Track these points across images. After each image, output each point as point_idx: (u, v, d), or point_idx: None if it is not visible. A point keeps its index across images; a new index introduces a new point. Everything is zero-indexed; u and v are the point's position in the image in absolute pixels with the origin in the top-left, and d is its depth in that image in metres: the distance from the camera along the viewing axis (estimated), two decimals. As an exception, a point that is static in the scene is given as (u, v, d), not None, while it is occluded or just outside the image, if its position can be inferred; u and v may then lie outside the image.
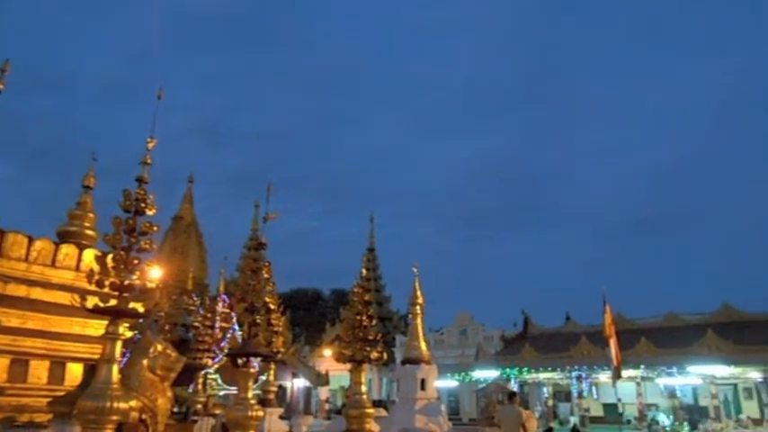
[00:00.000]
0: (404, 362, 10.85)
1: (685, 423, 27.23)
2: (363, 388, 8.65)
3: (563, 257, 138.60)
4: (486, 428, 10.40)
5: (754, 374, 26.20)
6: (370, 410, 8.31)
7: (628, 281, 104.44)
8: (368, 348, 8.46)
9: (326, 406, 38.26)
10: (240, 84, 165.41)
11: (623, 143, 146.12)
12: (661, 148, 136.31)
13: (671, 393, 28.90)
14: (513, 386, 30.97)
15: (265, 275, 9.52)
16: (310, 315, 59.06)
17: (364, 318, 8.93)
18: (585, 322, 34.13)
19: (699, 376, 27.73)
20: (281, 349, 9.79)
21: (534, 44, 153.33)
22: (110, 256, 5.81)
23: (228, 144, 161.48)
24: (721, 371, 26.71)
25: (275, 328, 9.52)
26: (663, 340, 28.56)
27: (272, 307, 9.33)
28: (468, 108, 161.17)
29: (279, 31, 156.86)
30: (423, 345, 10.73)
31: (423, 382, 10.42)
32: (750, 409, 29.24)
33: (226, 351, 12.37)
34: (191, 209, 30.72)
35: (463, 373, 31.45)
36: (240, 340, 12.53)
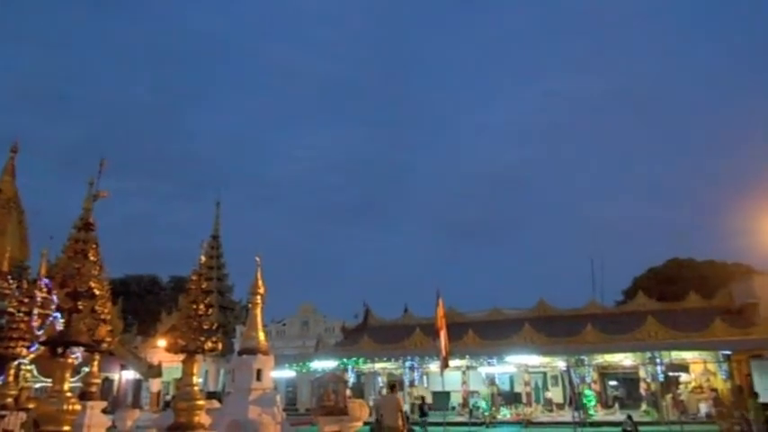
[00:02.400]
0: (240, 352, 10.67)
1: (502, 408, 29.88)
2: (196, 379, 8.39)
3: (407, 253, 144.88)
4: (320, 418, 10.57)
5: (560, 363, 29.44)
6: (201, 402, 8.07)
7: (462, 277, 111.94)
8: (202, 338, 8.20)
9: (166, 398, 36.43)
10: (85, 51, 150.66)
11: (468, 149, 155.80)
12: (498, 157, 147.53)
13: (491, 381, 31.53)
14: (351, 376, 31.78)
15: (92, 258, 8.84)
16: (146, 303, 55.47)
17: (201, 306, 8.63)
18: (421, 315, 36.01)
19: (515, 365, 30.58)
20: (107, 338, 9.14)
21: (398, 47, 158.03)
22: None
23: (67, 115, 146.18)
24: (534, 360, 29.70)
25: (101, 316, 8.87)
26: (487, 332, 31.05)
27: (97, 293, 8.68)
28: (324, 102, 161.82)
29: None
30: (261, 335, 10.63)
31: (259, 372, 10.31)
32: (556, 394, 32.86)
33: (43, 339, 11.28)
34: (12, 182, 27.36)
35: (302, 364, 31.61)
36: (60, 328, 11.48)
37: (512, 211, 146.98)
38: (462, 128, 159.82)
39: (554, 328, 30.57)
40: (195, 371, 8.44)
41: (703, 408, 26.47)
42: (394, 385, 15.64)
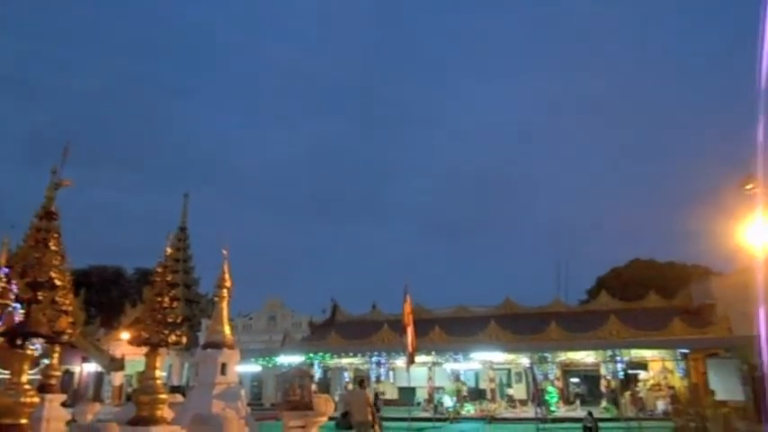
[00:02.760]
0: (205, 346, 10.57)
1: (466, 404, 30.22)
2: (159, 373, 8.30)
3: (376, 249, 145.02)
4: (285, 412, 10.55)
5: (524, 360, 29.89)
6: (164, 396, 7.99)
7: (431, 274, 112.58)
8: (166, 331, 8.11)
9: (128, 392, 35.84)
10: (59, 33, 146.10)
11: (441, 148, 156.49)
12: (470, 156, 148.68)
13: (456, 377, 31.88)
14: (317, 371, 31.75)
15: (53, 248, 8.66)
16: (110, 295, 54.38)
17: (166, 299, 8.53)
18: (389, 311, 36.12)
19: (480, 362, 30.94)
20: (68, 330, 8.96)
21: (380, 43, 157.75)
22: None
23: (35, 99, 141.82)
24: (499, 357, 30.08)
25: (61, 307, 8.70)
26: (453, 329, 31.34)
27: (58, 283, 8.51)
28: (299, 95, 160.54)
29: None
30: (227, 329, 10.55)
31: (223, 366, 10.24)
32: (519, 391, 33.38)
33: (1, 330, 11.00)
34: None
35: (268, 358, 31.44)
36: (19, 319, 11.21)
37: (481, 210, 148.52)
38: (437, 127, 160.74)
39: (519, 326, 31.01)
40: (158, 364, 8.35)
41: (660, 405, 27.21)
42: (362, 381, 16.21)
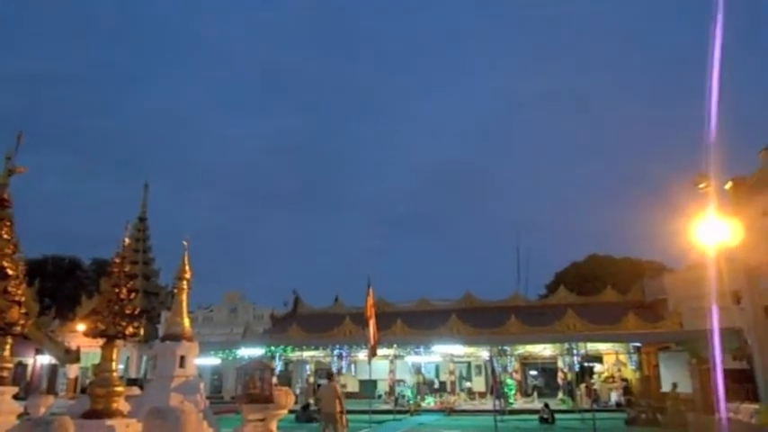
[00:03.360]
0: (163, 338, 10.43)
1: (427, 396, 30.54)
2: (115, 365, 8.17)
3: (340, 242, 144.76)
4: (244, 405, 10.50)
5: (484, 353, 30.35)
6: (120, 389, 7.88)
7: (394, 268, 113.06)
8: (123, 323, 7.99)
9: (84, 385, 34.94)
10: (11, 16, 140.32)
11: (405, 142, 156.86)
12: (434, 151, 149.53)
13: (417, 370, 32.16)
14: (278, 364, 31.59)
15: (5, 237, 8.43)
16: (66, 285, 52.93)
17: (123, 290, 8.40)
18: (352, 304, 36.15)
19: (441, 355, 31.29)
20: (20, 321, 8.72)
21: (342, 36, 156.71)
22: None
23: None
24: (459, 350, 30.47)
25: (14, 297, 8.46)
26: (415, 322, 31.58)
27: (10, 273, 8.28)
28: (262, 86, 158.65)
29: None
30: (186, 321, 10.42)
31: (182, 359, 10.12)
32: (479, 383, 33.89)
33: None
34: None
35: (228, 351, 31.12)
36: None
37: (444, 204, 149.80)
38: (402, 122, 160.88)
39: (479, 320, 31.44)
40: (115, 356, 8.23)
41: (614, 396, 28.03)
42: (331, 374, 16.58)
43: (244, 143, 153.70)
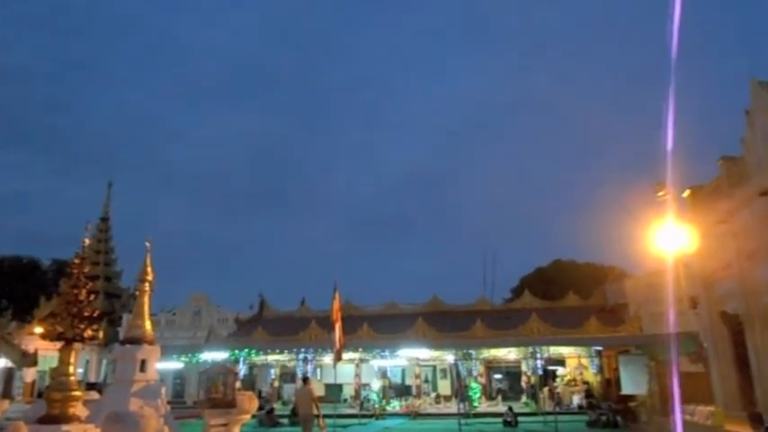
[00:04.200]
0: (124, 342, 10.23)
1: (392, 400, 30.57)
2: (73, 369, 7.97)
3: (308, 245, 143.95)
4: (206, 411, 10.35)
5: (450, 357, 30.55)
6: (77, 393, 7.70)
7: (362, 272, 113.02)
8: (82, 326, 7.80)
9: (41, 389, 33.92)
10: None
11: (380, 146, 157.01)
12: (404, 155, 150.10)
13: (383, 374, 32.17)
14: (242, 368, 31.23)
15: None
16: (24, 287, 51.40)
17: (83, 292, 8.21)
18: (318, 308, 35.97)
19: (407, 359, 31.37)
20: (-27, 324, 8.45)
21: (314, 36, 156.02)
22: None
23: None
24: (425, 354, 30.60)
25: (-34, 300, 8.19)
26: (382, 326, 31.61)
27: (-37, 275, 8.01)
28: (232, 85, 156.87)
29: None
30: (147, 324, 10.23)
31: (143, 363, 9.93)
32: (444, 387, 34.08)
33: None
34: None
35: (191, 355, 30.62)
36: None
37: (412, 209, 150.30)
38: (370, 125, 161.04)
39: (445, 324, 31.64)
40: (73, 360, 8.04)
41: (576, 399, 28.53)
42: (306, 378, 17.23)
43: (212, 143, 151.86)
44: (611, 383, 27.54)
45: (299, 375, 31.72)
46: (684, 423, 15.21)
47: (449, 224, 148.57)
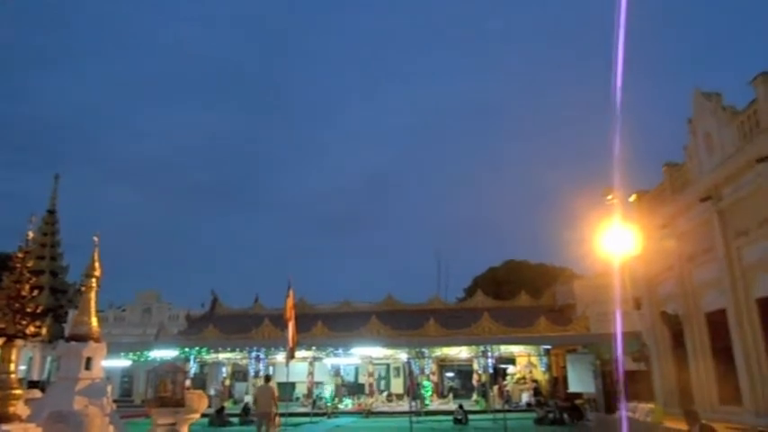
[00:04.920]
0: (69, 338, 9.96)
1: (345, 398, 30.61)
2: (14, 366, 7.71)
3: (263, 243, 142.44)
4: (154, 410, 10.19)
5: (403, 355, 30.80)
6: (18, 392, 7.46)
7: (318, 270, 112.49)
8: (24, 322, 7.57)
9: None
10: None
11: (336, 145, 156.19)
12: (364, 156, 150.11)
13: (336, 372, 32.18)
14: (193, 366, 30.72)
15: None
16: (-37, 281, 49.12)
17: (26, 287, 7.95)
18: (272, 306, 35.67)
19: (360, 357, 31.46)
20: None
21: (275, 35, 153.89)
22: None
23: None
24: (378, 352, 30.76)
25: None
26: (336, 324, 31.60)
27: None
28: (191, 80, 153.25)
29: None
30: (93, 320, 9.99)
31: (88, 360, 9.70)
32: (397, 385, 34.31)
33: None
34: None
35: (139, 353, 29.93)
36: None
37: (368, 208, 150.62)
38: (328, 124, 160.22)
39: (399, 322, 31.87)
40: (14, 357, 7.80)
41: (525, 397, 29.18)
42: (268, 377, 17.46)
43: (166, 137, 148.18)
44: (559, 381, 28.27)
45: (251, 374, 31.50)
46: (626, 420, 15.78)
47: (404, 224, 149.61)
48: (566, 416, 22.19)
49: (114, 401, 10.67)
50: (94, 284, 10.33)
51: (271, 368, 33.40)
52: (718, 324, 14.36)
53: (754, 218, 12.65)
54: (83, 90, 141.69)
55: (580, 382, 23.64)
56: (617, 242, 17.10)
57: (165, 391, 10.99)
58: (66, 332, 33.91)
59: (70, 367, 9.69)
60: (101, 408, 9.57)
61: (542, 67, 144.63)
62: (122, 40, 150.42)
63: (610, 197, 17.65)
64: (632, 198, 19.26)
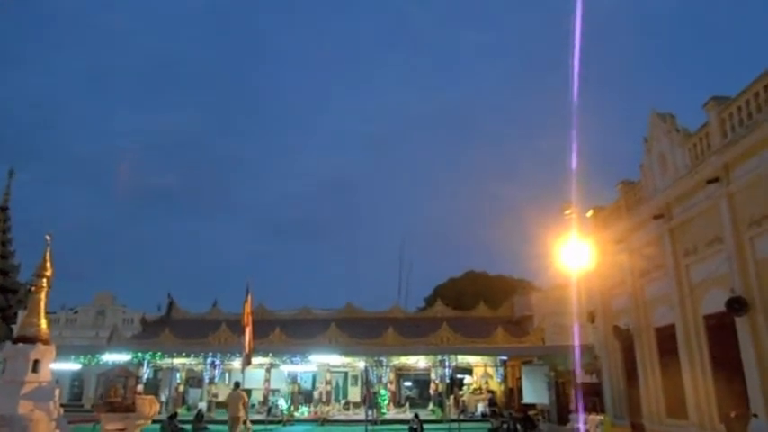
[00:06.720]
0: (15, 340, 9.67)
1: (301, 406, 30.36)
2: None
3: (222, 246, 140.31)
4: (103, 415, 9.96)
5: (361, 363, 30.74)
6: (-40, 394, 7.21)
7: (277, 275, 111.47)
8: (-32, 323, 7.33)
9: None
10: None
11: (299, 150, 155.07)
12: (323, 160, 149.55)
13: (293, 379, 31.89)
14: (146, 371, 30.02)
15: None
16: None
17: (-29, 287, 7.71)
18: (230, 310, 35.14)
19: (318, 364, 31.26)
20: None
21: (245, 38, 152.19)
22: None
23: None
24: (336, 360, 30.63)
25: None
26: (294, 331, 31.36)
27: None
28: (151, 78, 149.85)
29: None
30: (43, 322, 9.72)
31: (36, 363, 9.43)
32: (354, 393, 34.20)
33: None
34: None
35: (91, 356, 29.09)
36: None
37: (330, 214, 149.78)
38: (292, 128, 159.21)
39: (358, 330, 31.80)
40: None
41: (480, 407, 29.46)
42: (238, 383, 18.15)
43: (125, 136, 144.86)
44: (515, 392, 28.66)
45: (206, 380, 30.94)
46: (577, 431, 16.13)
47: (366, 232, 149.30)
48: (519, 426, 22.48)
49: (62, 406, 10.38)
50: (45, 285, 10.07)
51: (226, 374, 32.90)
52: (667, 339, 14.83)
53: (703, 237, 13.16)
54: (44, 84, 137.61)
55: (534, 392, 24.01)
56: (574, 256, 17.53)
57: (116, 396, 10.75)
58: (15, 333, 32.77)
59: (16, 370, 9.40)
60: (47, 412, 9.31)
61: (509, 82, 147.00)
62: (84, 35, 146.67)
63: (568, 212, 18.11)
64: (589, 213, 19.77)
